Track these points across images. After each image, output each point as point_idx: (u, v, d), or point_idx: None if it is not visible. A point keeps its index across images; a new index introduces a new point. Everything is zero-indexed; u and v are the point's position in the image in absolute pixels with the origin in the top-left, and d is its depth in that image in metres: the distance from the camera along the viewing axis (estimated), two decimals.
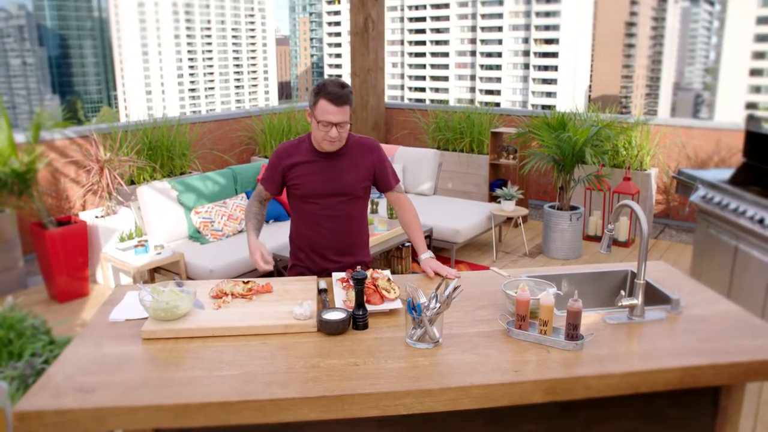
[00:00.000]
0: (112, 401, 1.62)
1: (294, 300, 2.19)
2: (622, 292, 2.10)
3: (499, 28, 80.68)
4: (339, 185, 2.52)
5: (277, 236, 4.67)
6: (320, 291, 2.32)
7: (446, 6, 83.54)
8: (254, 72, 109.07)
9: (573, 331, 1.89)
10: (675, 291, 2.20)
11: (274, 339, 1.97)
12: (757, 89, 70.38)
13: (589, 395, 1.76)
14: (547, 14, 78.10)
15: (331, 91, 2.34)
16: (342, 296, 2.23)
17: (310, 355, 1.86)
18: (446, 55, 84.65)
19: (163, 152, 5.68)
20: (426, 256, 2.48)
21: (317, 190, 2.51)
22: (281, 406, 1.64)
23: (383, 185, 2.63)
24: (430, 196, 6.18)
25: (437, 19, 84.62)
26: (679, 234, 6.19)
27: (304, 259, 2.66)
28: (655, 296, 2.32)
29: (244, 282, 2.28)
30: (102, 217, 4.79)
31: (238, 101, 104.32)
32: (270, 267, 2.42)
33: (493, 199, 6.50)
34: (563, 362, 1.82)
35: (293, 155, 2.53)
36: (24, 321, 2.27)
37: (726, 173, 4.15)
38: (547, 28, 78.37)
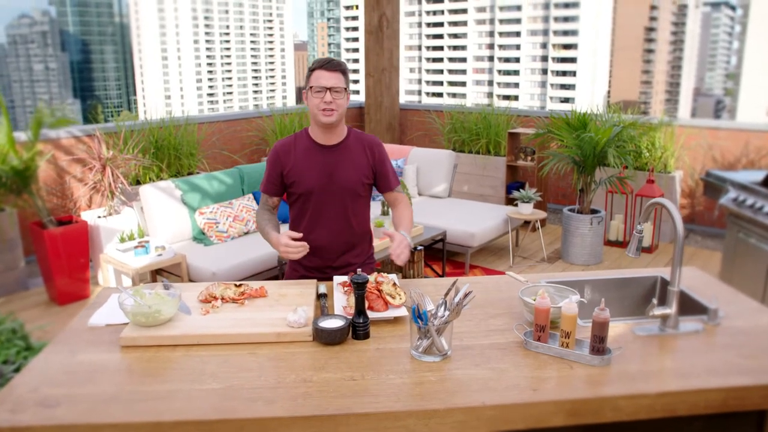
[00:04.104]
0: (76, 418, 1.44)
1: (290, 306, 2.00)
2: (654, 301, 1.87)
3: (517, 34, 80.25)
4: (338, 180, 2.38)
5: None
6: (319, 296, 2.13)
7: (464, 11, 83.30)
8: (272, 77, 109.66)
9: (599, 344, 1.68)
10: (712, 300, 1.97)
11: (264, 349, 1.78)
12: None
13: (618, 418, 1.55)
14: (566, 19, 77.52)
15: (322, 60, 2.34)
16: (342, 302, 2.04)
17: (302, 368, 1.67)
18: (464, 60, 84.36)
19: (169, 151, 5.53)
20: (403, 232, 2.28)
21: (316, 185, 2.37)
22: (266, 426, 1.44)
23: (383, 185, 2.49)
24: (444, 198, 5.97)
25: (455, 24, 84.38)
26: (704, 240, 5.91)
27: (302, 260, 2.44)
28: (688, 306, 2.10)
29: (236, 285, 2.10)
30: (104, 217, 4.65)
31: (255, 106, 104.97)
32: (304, 247, 2.17)
33: (510, 202, 6.28)
34: (588, 380, 1.61)
35: (290, 152, 2.40)
36: (1, 324, 2.10)
37: (758, 175, 3.90)
38: (565, 33, 77.81)
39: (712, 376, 1.62)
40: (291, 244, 2.15)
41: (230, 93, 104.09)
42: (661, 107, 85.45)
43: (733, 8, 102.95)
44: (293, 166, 2.38)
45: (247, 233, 4.71)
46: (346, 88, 2.33)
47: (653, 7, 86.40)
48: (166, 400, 1.52)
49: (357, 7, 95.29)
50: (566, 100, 76.02)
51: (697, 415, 1.63)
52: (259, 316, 1.93)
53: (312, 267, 2.46)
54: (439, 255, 4.96)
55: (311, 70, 2.33)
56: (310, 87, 2.31)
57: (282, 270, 4.16)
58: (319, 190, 2.37)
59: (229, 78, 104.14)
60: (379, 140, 2.50)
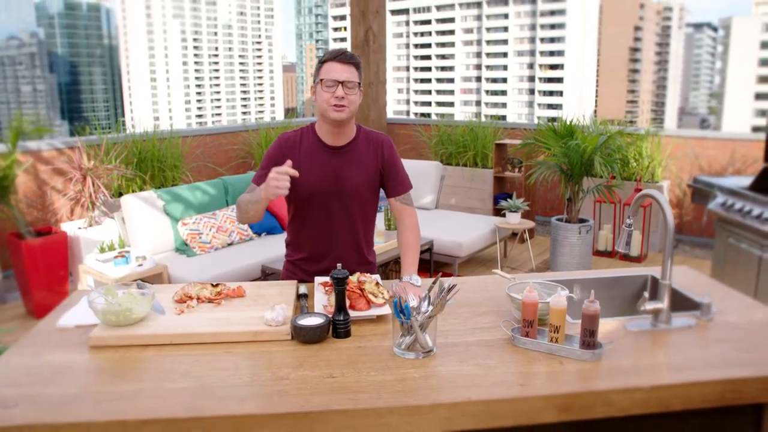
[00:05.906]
0: (35, 418, 1.34)
1: (268, 305, 1.92)
2: (645, 294, 1.81)
3: (504, 54, 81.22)
4: (343, 186, 2.19)
5: (269, 250, 4.42)
6: (299, 296, 2.05)
7: (451, 33, 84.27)
8: (261, 98, 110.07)
9: (589, 338, 1.61)
10: (704, 295, 1.92)
11: (240, 348, 1.70)
12: (762, 113, 70.33)
13: (610, 414, 1.47)
14: (552, 40, 78.62)
15: (334, 51, 2.14)
16: (323, 301, 1.96)
17: (279, 366, 1.58)
18: (451, 80, 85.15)
19: (153, 163, 5.45)
20: (406, 279, 2.09)
21: (318, 190, 2.18)
22: (238, 424, 1.36)
23: (391, 188, 2.28)
24: (432, 210, 5.92)
25: (442, 45, 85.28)
26: (693, 249, 5.89)
27: (301, 264, 2.34)
28: (680, 302, 2.04)
29: (212, 285, 2.02)
30: (85, 228, 4.55)
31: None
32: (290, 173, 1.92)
33: (498, 214, 6.23)
34: (579, 375, 1.54)
35: (294, 148, 2.20)
36: None
37: (746, 180, 3.88)
38: (551, 53, 78.85)
39: (707, 369, 1.55)
40: (280, 170, 1.90)
41: (219, 114, 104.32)
42: (647, 126, 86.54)
43: (714, 29, 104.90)
44: (296, 165, 2.09)
45: (230, 244, 4.62)
46: (359, 84, 2.12)
47: (637, 28, 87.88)
48: (133, 399, 1.43)
49: (345, 29, 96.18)
50: (553, 120, 76.79)
51: (692, 411, 1.56)
52: (236, 315, 1.85)
53: (312, 272, 2.29)
54: (426, 265, 4.88)
55: (322, 62, 2.13)
56: (321, 80, 2.11)
57: (267, 280, 4.07)
58: (322, 195, 2.19)
59: (218, 99, 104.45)
60: (390, 139, 2.30)
